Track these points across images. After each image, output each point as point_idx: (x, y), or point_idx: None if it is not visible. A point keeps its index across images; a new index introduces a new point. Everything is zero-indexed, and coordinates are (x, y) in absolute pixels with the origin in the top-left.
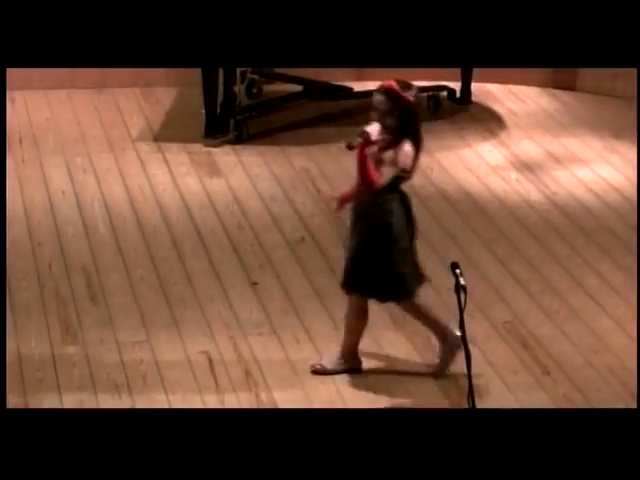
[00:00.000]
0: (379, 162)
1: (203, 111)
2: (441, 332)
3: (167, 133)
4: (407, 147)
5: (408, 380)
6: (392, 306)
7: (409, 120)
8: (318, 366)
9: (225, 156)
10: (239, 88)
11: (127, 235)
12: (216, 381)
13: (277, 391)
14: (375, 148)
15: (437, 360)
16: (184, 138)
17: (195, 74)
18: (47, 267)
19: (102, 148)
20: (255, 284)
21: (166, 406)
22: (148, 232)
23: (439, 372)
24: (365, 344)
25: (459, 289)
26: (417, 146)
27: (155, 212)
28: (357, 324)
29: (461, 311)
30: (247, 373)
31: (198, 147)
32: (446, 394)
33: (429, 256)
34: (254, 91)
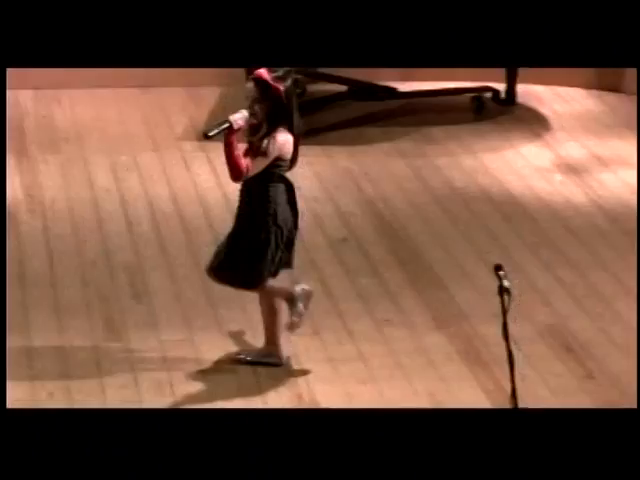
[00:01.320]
0: (256, 151)
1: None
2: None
3: None
4: (279, 137)
5: (450, 381)
6: (435, 308)
7: (279, 109)
8: (242, 356)
9: None
10: None
11: (170, 234)
12: (258, 380)
13: (319, 392)
14: (248, 138)
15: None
16: None
17: (239, 74)
18: (91, 265)
19: (146, 147)
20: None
21: (209, 405)
22: (191, 231)
23: (294, 325)
24: (407, 345)
25: (502, 291)
26: (293, 134)
27: (198, 211)
28: (271, 316)
29: (504, 313)
30: (289, 373)
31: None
32: (489, 397)
33: (472, 258)
34: (298, 91)
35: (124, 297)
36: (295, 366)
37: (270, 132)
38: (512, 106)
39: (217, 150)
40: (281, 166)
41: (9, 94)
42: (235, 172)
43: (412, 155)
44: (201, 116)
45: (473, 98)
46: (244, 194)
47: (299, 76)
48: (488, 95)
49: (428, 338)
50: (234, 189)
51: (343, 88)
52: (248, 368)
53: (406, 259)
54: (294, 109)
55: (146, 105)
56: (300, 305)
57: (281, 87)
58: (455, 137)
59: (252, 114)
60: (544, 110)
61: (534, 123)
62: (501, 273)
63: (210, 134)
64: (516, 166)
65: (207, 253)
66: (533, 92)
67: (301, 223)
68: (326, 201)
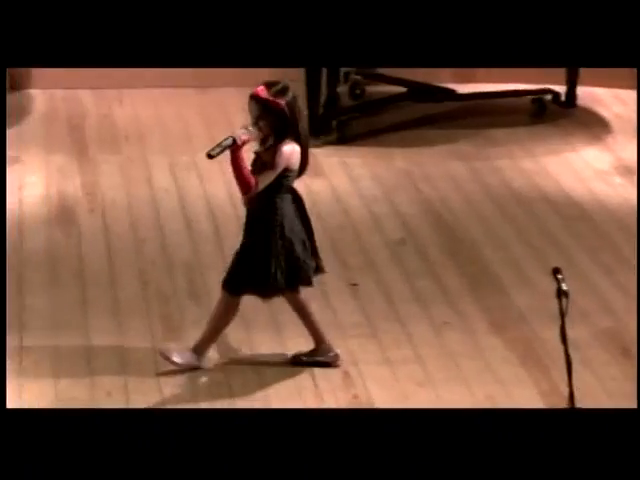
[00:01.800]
0: (262, 164)
1: (306, 112)
2: (319, 337)
3: None
4: (285, 148)
5: (508, 384)
6: (493, 311)
7: (283, 123)
8: (302, 357)
9: (327, 157)
10: (342, 89)
11: (228, 233)
12: (314, 381)
13: (375, 393)
14: (244, 149)
15: (303, 350)
16: None
17: (298, 75)
18: (150, 264)
19: (206, 147)
20: (355, 285)
21: (265, 406)
22: None
23: (297, 359)
24: (465, 348)
25: (561, 294)
26: (300, 144)
27: None
28: (222, 323)
29: (562, 316)
30: (346, 374)
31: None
32: (547, 400)
33: (531, 260)
34: (357, 92)
35: (182, 296)
36: (351, 368)
37: (276, 144)
38: (572, 108)
39: None
40: (288, 177)
41: (70, 93)
42: (244, 187)
43: (471, 157)
44: None
45: (533, 100)
46: (251, 206)
47: (358, 77)
48: (548, 97)
49: (486, 341)
50: None
51: (402, 90)
52: (305, 369)
53: (464, 261)
54: (299, 120)
55: (205, 105)
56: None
57: (282, 101)
58: (515, 139)
59: (258, 129)
60: (604, 113)
61: (594, 126)
62: (559, 276)
63: (213, 153)
64: (576, 169)
65: None
66: (594, 94)
67: (359, 224)
68: (384, 202)
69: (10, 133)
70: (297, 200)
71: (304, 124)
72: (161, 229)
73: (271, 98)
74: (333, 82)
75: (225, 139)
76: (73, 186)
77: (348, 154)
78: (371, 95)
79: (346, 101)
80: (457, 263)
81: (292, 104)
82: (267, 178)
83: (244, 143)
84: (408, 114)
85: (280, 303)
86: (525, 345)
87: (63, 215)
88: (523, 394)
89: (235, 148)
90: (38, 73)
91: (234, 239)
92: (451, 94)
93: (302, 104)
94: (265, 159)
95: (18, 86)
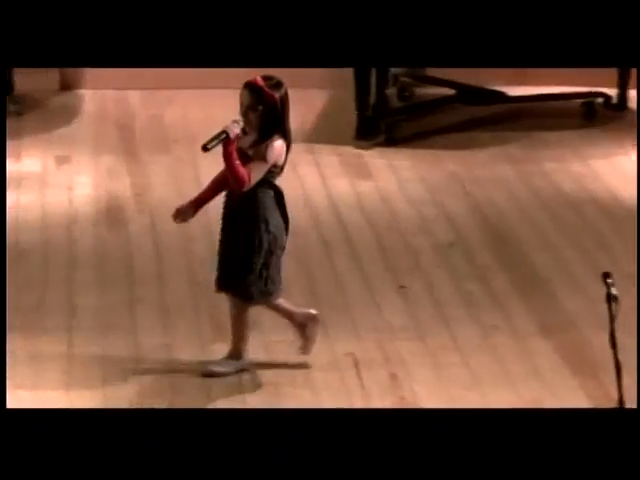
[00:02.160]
0: (249, 159)
1: (355, 113)
2: (298, 321)
3: (318, 135)
4: (277, 143)
5: (556, 388)
6: (541, 314)
7: (274, 116)
8: (207, 370)
9: (375, 158)
10: (391, 91)
11: None
12: (362, 383)
13: (422, 395)
14: (236, 144)
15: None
16: (335, 140)
17: (347, 77)
18: (199, 264)
19: None
20: (403, 287)
21: (313, 406)
22: (297, 232)
23: (306, 349)
24: (513, 352)
25: (610, 299)
26: (286, 141)
27: (305, 213)
28: (241, 323)
29: (612, 321)
30: (393, 377)
31: (349, 149)
32: (595, 404)
33: (580, 264)
34: (406, 94)
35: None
36: (399, 370)
37: (264, 139)
38: (623, 112)
39: (324, 152)
40: (273, 172)
41: (119, 94)
42: (239, 181)
43: (520, 160)
44: (309, 118)
45: (584, 103)
46: (231, 201)
47: (407, 79)
48: (599, 100)
49: (534, 345)
50: (340, 191)
51: (451, 92)
52: (352, 370)
53: (513, 265)
54: (288, 117)
55: None
56: (308, 329)
57: (276, 95)
58: (565, 142)
59: (248, 122)
60: None
61: None
62: (609, 281)
63: (209, 146)
64: (626, 172)
65: (312, 254)
66: None
67: (407, 226)
68: (432, 205)
69: (60, 133)
70: (278, 196)
71: (290, 123)
72: (210, 228)
73: (266, 89)
74: (382, 84)
75: (219, 132)
76: (122, 186)
77: (396, 156)
78: (420, 97)
79: (395, 103)
80: (505, 266)
81: (284, 100)
82: (260, 171)
83: (236, 136)
84: (457, 116)
85: (330, 305)
86: (574, 349)
87: (112, 215)
88: (571, 398)
89: (228, 142)
90: (89, 73)
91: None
92: (501, 96)
93: (351, 106)
94: (252, 154)
95: (69, 86)
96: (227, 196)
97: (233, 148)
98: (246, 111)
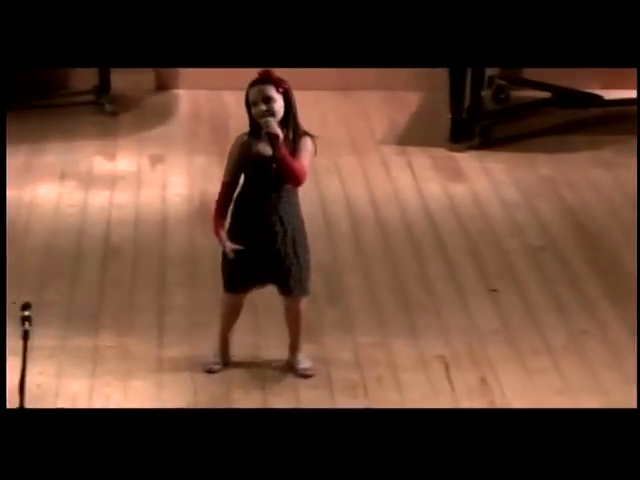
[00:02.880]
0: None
1: (449, 116)
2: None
3: (411, 137)
4: (307, 137)
5: (579, 398)
6: (634, 320)
7: (287, 108)
8: (208, 367)
9: (469, 161)
10: (486, 93)
11: (367, 236)
12: (451, 386)
13: (512, 400)
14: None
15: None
16: (428, 142)
17: (441, 79)
18: None
19: (347, 150)
20: (494, 291)
21: (400, 406)
22: (388, 234)
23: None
24: (605, 357)
25: None
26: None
27: (396, 214)
28: (232, 320)
29: None
30: (482, 380)
31: (442, 151)
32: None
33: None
34: (501, 97)
35: (320, 298)
36: (489, 374)
37: (296, 130)
38: None
39: (416, 154)
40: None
41: (214, 94)
42: (302, 177)
43: (616, 165)
44: (402, 120)
45: None
46: (261, 209)
47: (502, 82)
48: None
49: (626, 351)
50: (433, 194)
51: (547, 95)
52: (441, 372)
53: (605, 269)
54: (296, 111)
55: (347, 108)
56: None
57: (286, 83)
58: None
59: (271, 114)
60: None
61: None
62: None
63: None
64: None
65: (403, 255)
66: None
67: (499, 229)
68: (526, 208)
69: (155, 133)
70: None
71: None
72: None
73: (285, 81)
74: (477, 86)
75: (269, 134)
76: (215, 187)
77: (490, 159)
78: (515, 100)
79: (490, 105)
80: (598, 271)
81: (291, 92)
82: (309, 163)
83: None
84: (552, 120)
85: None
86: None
87: (205, 215)
88: (593, 401)
89: (278, 142)
90: (184, 73)
91: (372, 241)
92: (597, 100)
93: (444, 108)
94: (292, 150)
95: (164, 86)
96: (249, 209)
97: (284, 148)
98: (270, 104)
